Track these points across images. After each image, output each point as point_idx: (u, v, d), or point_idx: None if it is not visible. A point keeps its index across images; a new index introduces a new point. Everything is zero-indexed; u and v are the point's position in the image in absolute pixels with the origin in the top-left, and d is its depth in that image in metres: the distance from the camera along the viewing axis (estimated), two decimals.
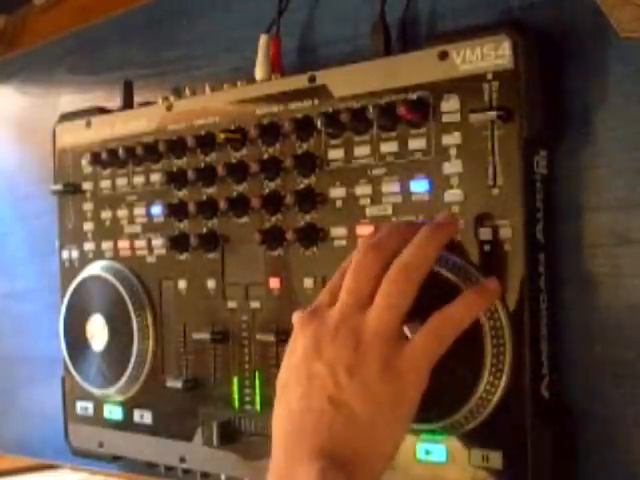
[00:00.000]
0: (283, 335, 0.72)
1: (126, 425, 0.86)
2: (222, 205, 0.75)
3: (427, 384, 0.56)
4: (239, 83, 0.76)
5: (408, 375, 0.56)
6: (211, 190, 0.78)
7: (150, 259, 0.83)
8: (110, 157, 0.85)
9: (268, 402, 0.74)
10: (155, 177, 0.83)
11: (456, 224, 0.62)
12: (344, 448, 0.55)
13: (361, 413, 0.56)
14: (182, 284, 0.80)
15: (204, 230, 0.78)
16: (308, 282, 0.71)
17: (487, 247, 0.61)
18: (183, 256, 0.80)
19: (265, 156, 0.74)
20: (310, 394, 0.57)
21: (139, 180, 0.84)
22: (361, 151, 0.68)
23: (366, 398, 0.56)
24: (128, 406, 0.85)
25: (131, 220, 0.85)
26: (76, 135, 0.90)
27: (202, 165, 0.78)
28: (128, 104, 0.88)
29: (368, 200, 0.67)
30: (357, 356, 0.56)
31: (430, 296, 0.58)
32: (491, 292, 0.59)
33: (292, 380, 0.59)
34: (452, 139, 0.63)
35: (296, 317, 0.61)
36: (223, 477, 0.78)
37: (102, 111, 0.89)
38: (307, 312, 0.61)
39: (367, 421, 0.56)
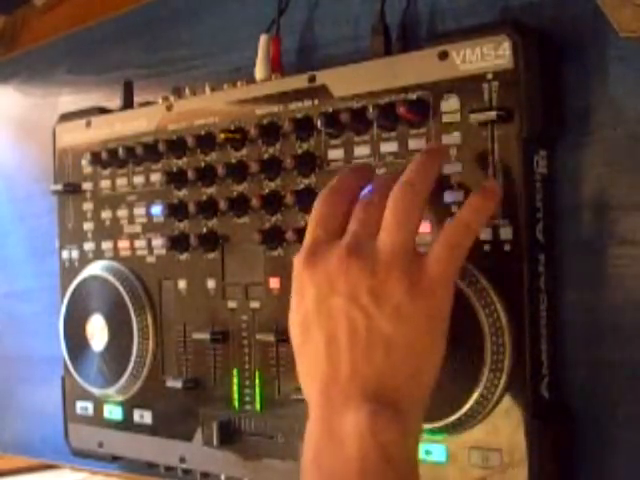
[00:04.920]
0: (283, 335, 0.72)
1: (126, 425, 0.86)
2: (222, 205, 0.75)
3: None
4: (239, 83, 0.76)
5: (436, 290, 0.53)
6: (211, 190, 0.78)
7: (150, 259, 0.83)
8: (110, 157, 0.85)
9: (268, 402, 0.74)
10: (155, 177, 0.83)
11: (446, 148, 0.61)
12: (388, 382, 0.52)
13: (397, 338, 0.52)
14: (182, 284, 0.80)
15: (204, 230, 0.78)
16: None
17: (487, 247, 0.61)
18: (183, 256, 0.80)
19: (265, 156, 0.74)
20: (337, 333, 0.53)
21: (139, 180, 0.84)
22: (361, 151, 0.68)
23: (400, 321, 0.52)
24: (128, 406, 0.85)
25: (131, 220, 0.85)
26: (76, 135, 0.90)
27: (202, 165, 0.78)
28: (128, 104, 0.88)
29: None
30: (379, 279, 0.53)
31: None
32: (493, 192, 0.58)
33: (311, 326, 0.54)
34: (452, 139, 0.62)
35: (296, 261, 0.57)
36: (223, 477, 0.78)
37: (102, 111, 0.89)
38: (306, 250, 0.56)
39: (405, 346, 0.52)
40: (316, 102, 0.70)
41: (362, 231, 0.56)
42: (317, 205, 0.59)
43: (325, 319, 0.54)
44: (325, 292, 0.54)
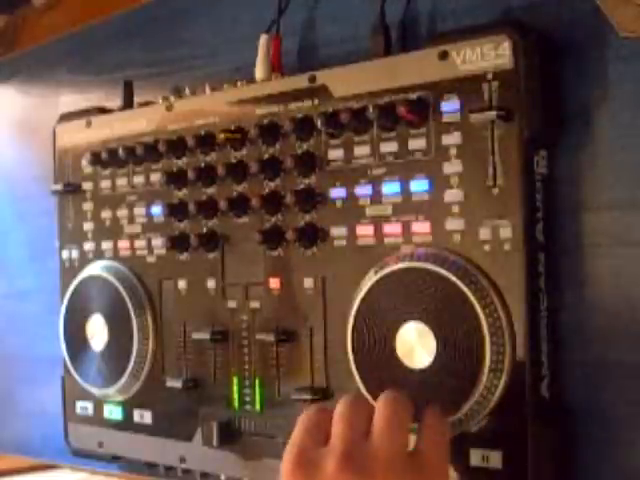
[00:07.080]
0: (283, 335, 0.72)
1: (126, 425, 0.86)
2: (222, 205, 0.75)
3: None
4: (239, 83, 0.76)
5: None
6: (211, 190, 0.78)
7: (150, 259, 0.83)
8: (110, 157, 0.85)
9: (268, 402, 0.74)
10: (155, 177, 0.83)
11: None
12: None
13: None
14: (182, 284, 0.80)
15: (204, 230, 0.78)
16: (308, 282, 0.71)
17: (487, 247, 0.61)
18: (183, 256, 0.80)
19: (265, 156, 0.74)
20: None
21: (139, 180, 0.84)
22: (361, 151, 0.68)
23: None
24: (128, 406, 0.85)
25: (131, 220, 0.85)
26: (76, 135, 0.90)
27: (202, 165, 0.78)
28: (128, 104, 0.88)
29: (368, 200, 0.67)
30: None
31: (430, 296, 0.58)
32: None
33: None
34: (452, 139, 0.62)
35: (285, 465, 0.55)
36: (223, 477, 0.78)
37: (102, 111, 0.89)
38: (295, 455, 0.55)
39: None
40: (316, 102, 0.70)
41: (354, 435, 0.54)
42: (303, 416, 0.58)
43: None
44: None
